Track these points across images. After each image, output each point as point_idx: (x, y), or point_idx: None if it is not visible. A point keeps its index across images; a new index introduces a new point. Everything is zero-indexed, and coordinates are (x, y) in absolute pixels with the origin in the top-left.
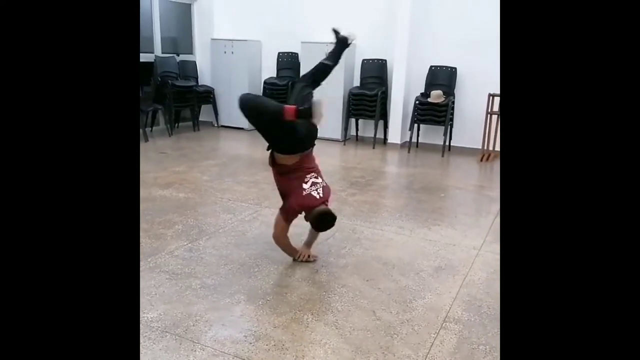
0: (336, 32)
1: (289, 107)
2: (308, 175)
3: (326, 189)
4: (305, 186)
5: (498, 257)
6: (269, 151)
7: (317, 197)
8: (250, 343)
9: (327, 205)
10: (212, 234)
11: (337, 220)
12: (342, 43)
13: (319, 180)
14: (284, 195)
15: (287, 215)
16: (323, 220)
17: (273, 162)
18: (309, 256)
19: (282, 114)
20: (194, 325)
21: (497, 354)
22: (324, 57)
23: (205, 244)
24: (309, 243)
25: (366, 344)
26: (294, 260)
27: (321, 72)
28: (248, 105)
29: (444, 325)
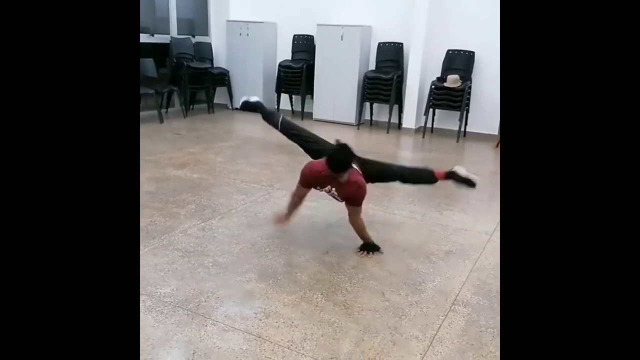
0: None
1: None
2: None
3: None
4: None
5: None
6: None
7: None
8: (260, 320)
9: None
10: (225, 214)
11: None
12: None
13: None
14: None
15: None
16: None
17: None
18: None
19: None
20: (205, 301)
21: None
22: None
23: (218, 224)
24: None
25: (374, 324)
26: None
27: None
28: None
29: (452, 308)
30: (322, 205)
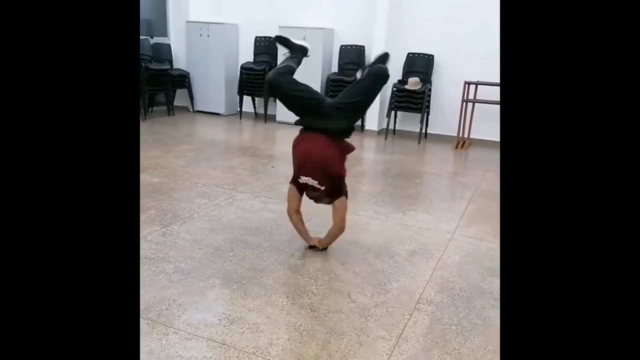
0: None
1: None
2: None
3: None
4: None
5: (470, 240)
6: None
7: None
8: (225, 326)
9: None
10: (187, 219)
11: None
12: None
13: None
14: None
15: (293, 177)
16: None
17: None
18: (311, 246)
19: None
20: (166, 309)
21: (468, 334)
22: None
23: (180, 229)
24: (322, 241)
25: (341, 325)
26: (307, 248)
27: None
28: (276, 87)
29: (417, 306)
30: None
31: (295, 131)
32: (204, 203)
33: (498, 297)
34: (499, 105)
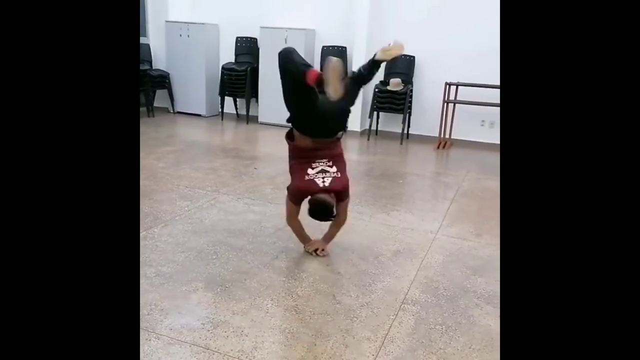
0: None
1: (313, 70)
2: (319, 161)
3: (338, 180)
4: (310, 171)
5: (453, 240)
6: (289, 124)
7: (320, 184)
8: (208, 330)
9: (330, 195)
10: (168, 222)
11: (333, 214)
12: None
13: (332, 169)
14: (291, 173)
15: (290, 195)
16: (316, 209)
17: (291, 136)
18: (318, 250)
19: (303, 76)
20: (148, 314)
21: (453, 333)
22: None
23: (161, 232)
24: (326, 237)
25: (326, 327)
26: (304, 250)
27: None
28: (280, 57)
29: (402, 307)
30: (271, 209)
31: (280, 131)
32: (185, 205)
33: (482, 296)
34: (479, 106)
